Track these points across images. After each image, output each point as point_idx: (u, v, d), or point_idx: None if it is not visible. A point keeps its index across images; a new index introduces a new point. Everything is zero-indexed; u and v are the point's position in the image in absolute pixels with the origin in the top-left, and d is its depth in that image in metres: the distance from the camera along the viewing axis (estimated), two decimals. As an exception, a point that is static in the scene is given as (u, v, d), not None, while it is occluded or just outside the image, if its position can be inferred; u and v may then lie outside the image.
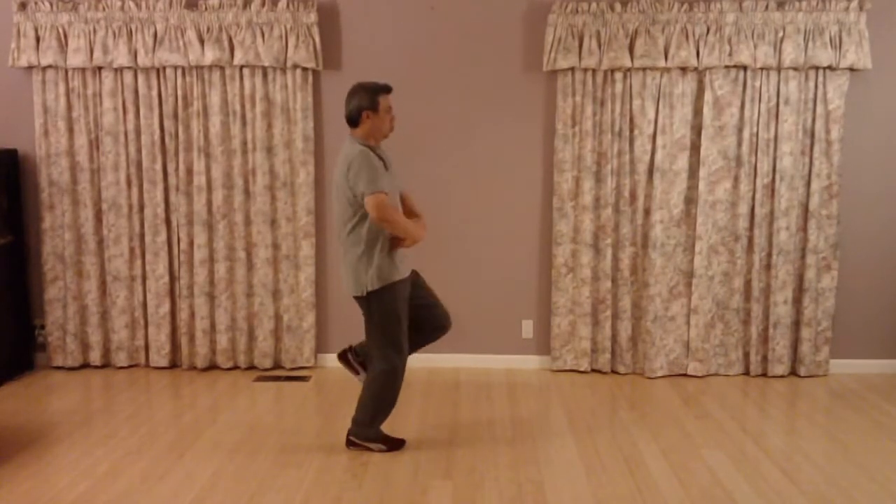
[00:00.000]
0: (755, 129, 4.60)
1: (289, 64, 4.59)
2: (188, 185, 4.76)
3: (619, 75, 4.57)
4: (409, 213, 3.66)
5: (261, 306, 4.80)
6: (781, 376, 4.74)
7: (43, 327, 4.93)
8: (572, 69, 4.58)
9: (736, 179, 4.65)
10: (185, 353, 4.87)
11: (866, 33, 4.46)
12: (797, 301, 4.72)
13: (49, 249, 4.81)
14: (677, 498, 3.16)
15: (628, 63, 4.50)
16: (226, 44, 4.59)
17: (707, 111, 4.56)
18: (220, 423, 4.00)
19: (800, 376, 4.74)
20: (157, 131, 4.72)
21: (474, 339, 4.93)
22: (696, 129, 4.63)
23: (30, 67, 4.71)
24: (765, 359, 4.76)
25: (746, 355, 4.78)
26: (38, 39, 4.63)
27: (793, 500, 3.15)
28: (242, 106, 4.69)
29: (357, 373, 3.69)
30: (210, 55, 4.57)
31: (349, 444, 3.65)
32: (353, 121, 3.46)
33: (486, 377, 4.75)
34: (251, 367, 4.91)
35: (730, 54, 4.49)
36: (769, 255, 4.69)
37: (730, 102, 4.57)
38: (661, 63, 4.50)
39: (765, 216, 4.66)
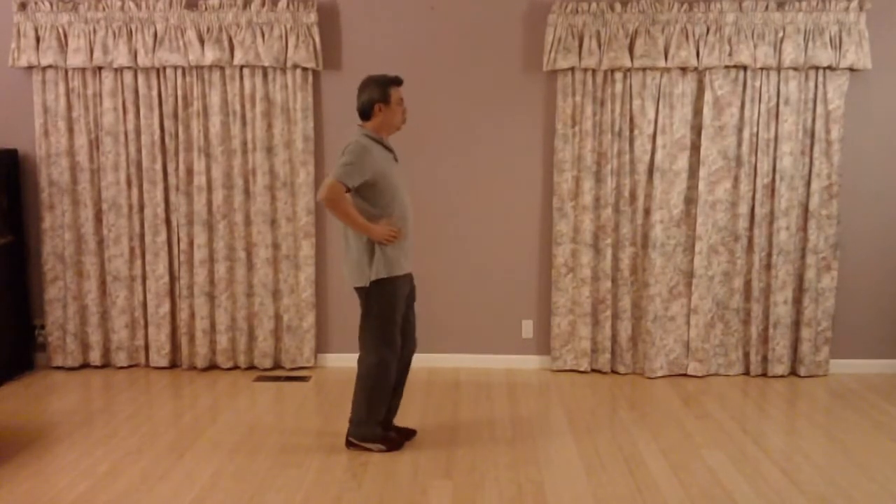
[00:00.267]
0: (755, 129, 4.60)
1: (289, 64, 4.60)
2: (188, 185, 4.77)
3: (619, 75, 4.57)
4: None
5: (261, 306, 4.80)
6: (781, 376, 4.74)
7: (43, 327, 4.93)
8: (572, 69, 4.58)
9: (736, 179, 4.65)
10: (185, 353, 4.87)
11: (866, 33, 4.46)
12: (797, 301, 4.73)
13: (49, 249, 4.81)
14: (677, 498, 3.16)
15: (628, 63, 4.50)
16: (226, 44, 4.59)
17: (707, 111, 4.56)
18: (220, 423, 4.00)
19: (800, 376, 4.75)
20: (157, 131, 4.72)
21: (474, 339, 4.93)
22: (696, 129, 4.64)
23: (30, 67, 4.71)
24: (765, 359, 4.77)
25: (746, 355, 4.78)
26: (38, 39, 4.63)
27: (793, 500, 3.15)
28: (242, 106, 4.69)
29: (370, 449, 3.63)
30: (210, 55, 4.57)
31: (349, 444, 3.65)
32: (364, 114, 3.47)
33: (486, 377, 4.75)
34: (251, 367, 4.91)
35: (730, 54, 4.49)
36: (769, 255, 4.69)
37: (730, 102, 4.58)
38: (661, 63, 4.50)
39: (765, 216, 4.66)
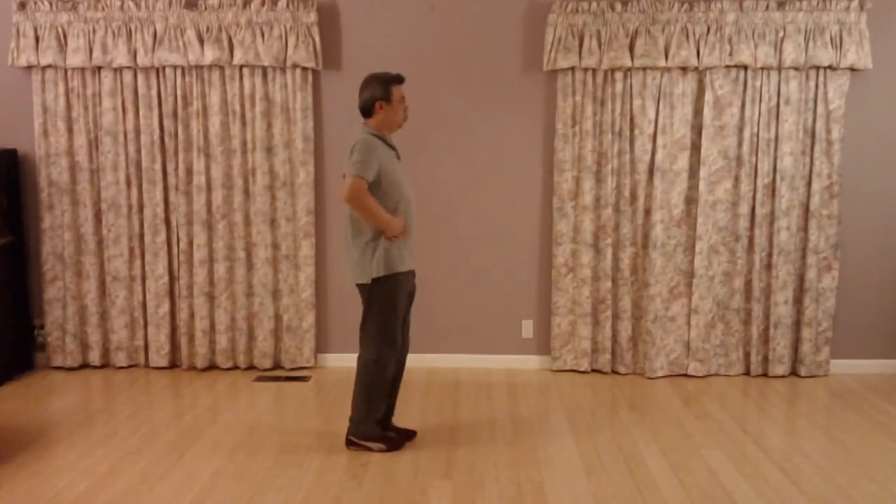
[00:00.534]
0: (756, 129, 4.60)
1: (289, 64, 4.59)
2: (188, 185, 4.76)
3: (619, 75, 4.57)
4: None
5: (261, 306, 4.79)
6: (782, 376, 4.74)
7: (42, 327, 4.93)
8: (572, 69, 4.58)
9: (736, 179, 4.64)
10: (185, 353, 4.86)
11: (867, 33, 4.46)
12: (798, 301, 4.72)
13: (49, 249, 4.81)
14: (677, 498, 3.16)
15: (628, 63, 4.50)
16: (225, 43, 4.59)
17: (707, 111, 4.56)
18: (220, 423, 4.00)
19: (800, 376, 4.74)
20: (157, 131, 4.71)
21: (474, 339, 4.93)
22: (697, 129, 4.63)
23: (29, 67, 4.70)
24: (765, 359, 4.76)
25: (747, 355, 4.78)
26: (37, 39, 4.63)
27: (793, 500, 3.15)
28: (242, 106, 4.69)
29: (371, 448, 3.62)
30: (210, 55, 4.57)
31: (349, 444, 3.65)
32: (366, 111, 3.48)
33: (486, 377, 4.75)
34: (251, 367, 4.90)
35: (730, 54, 4.49)
36: (770, 255, 4.68)
37: (730, 102, 4.57)
38: (662, 63, 4.49)
39: (765, 216, 4.66)
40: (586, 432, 3.86)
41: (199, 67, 4.65)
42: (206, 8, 4.57)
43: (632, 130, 4.63)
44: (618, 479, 3.33)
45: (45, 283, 4.83)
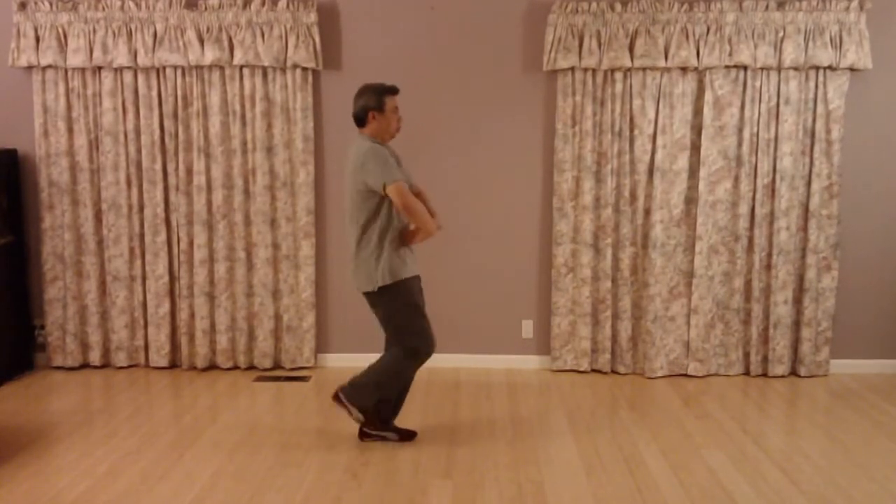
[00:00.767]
0: (755, 129, 4.60)
1: (289, 64, 4.59)
2: (188, 185, 4.76)
3: (619, 75, 4.57)
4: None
5: (261, 306, 4.80)
6: (782, 376, 4.74)
7: (43, 327, 4.93)
8: (572, 69, 4.58)
9: (736, 179, 4.64)
10: (185, 353, 4.86)
11: (866, 33, 4.46)
12: (797, 301, 4.72)
13: (49, 249, 4.81)
14: (677, 498, 3.16)
15: (628, 63, 4.50)
16: (226, 44, 4.59)
17: (707, 111, 4.56)
18: (220, 423, 4.00)
19: (800, 376, 4.74)
20: (157, 131, 4.71)
21: (474, 339, 4.93)
22: (697, 129, 4.63)
23: (29, 67, 4.71)
24: (765, 359, 4.76)
25: (747, 355, 4.78)
26: (37, 39, 4.63)
27: (793, 500, 3.15)
28: (242, 106, 4.69)
29: (350, 412, 3.63)
30: (210, 55, 4.57)
31: (363, 436, 3.70)
32: (360, 120, 3.51)
33: (486, 377, 4.75)
34: (251, 367, 4.91)
35: (730, 54, 4.49)
36: (769, 255, 4.69)
37: (730, 102, 4.57)
38: (662, 63, 4.49)
39: (765, 216, 4.66)
40: (586, 432, 3.87)
41: (199, 68, 4.65)
42: (206, 8, 4.57)
43: (632, 130, 4.63)
44: (618, 479, 3.33)
45: (45, 283, 4.83)
